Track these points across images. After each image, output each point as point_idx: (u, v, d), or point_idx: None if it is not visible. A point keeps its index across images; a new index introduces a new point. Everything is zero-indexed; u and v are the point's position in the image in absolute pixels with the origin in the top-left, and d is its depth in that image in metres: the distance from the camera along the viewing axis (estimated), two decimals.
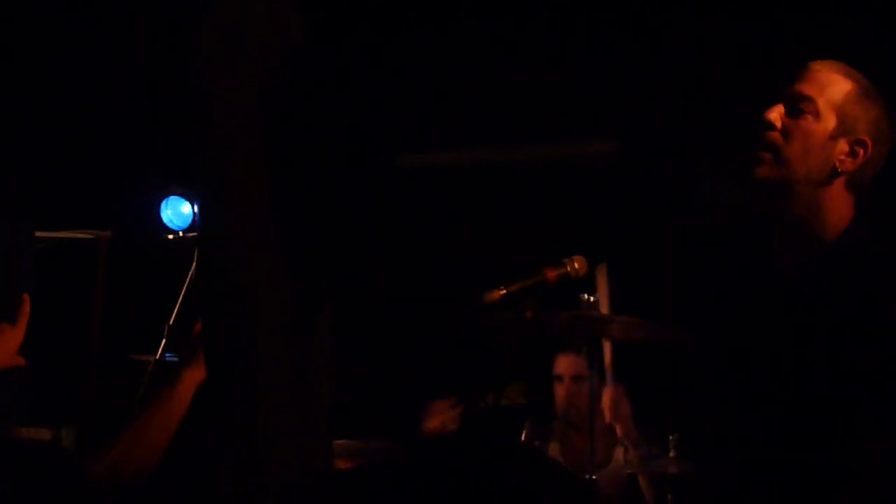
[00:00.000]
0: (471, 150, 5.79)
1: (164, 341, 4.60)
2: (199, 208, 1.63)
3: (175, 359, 4.71)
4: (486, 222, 5.80)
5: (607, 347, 4.35)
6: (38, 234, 5.79)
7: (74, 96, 5.96)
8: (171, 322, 4.58)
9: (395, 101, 5.91)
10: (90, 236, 5.83)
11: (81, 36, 5.81)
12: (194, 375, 2.70)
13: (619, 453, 4.65)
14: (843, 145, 2.67)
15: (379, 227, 5.81)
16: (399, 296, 5.35)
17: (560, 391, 4.88)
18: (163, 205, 5.61)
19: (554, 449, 4.81)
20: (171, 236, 5.54)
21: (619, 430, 4.46)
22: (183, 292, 4.65)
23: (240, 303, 1.60)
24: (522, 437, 4.74)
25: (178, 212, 5.59)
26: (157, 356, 4.60)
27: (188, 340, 2.78)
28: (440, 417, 4.70)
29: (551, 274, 3.61)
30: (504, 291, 3.50)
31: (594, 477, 3.93)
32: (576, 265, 3.61)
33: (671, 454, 4.02)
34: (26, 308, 2.66)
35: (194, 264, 4.78)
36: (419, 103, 5.90)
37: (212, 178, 1.58)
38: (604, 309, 4.16)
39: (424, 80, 5.89)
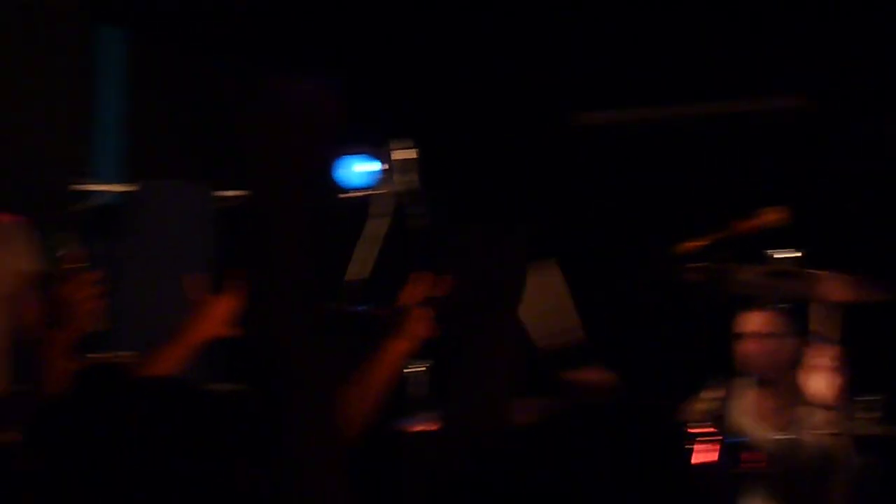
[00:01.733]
0: (661, 106, 5.70)
1: (350, 294, 4.64)
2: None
3: (360, 309, 4.74)
4: (677, 177, 5.69)
5: (816, 307, 4.18)
6: (222, 193, 5.93)
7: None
8: (355, 276, 4.61)
9: (576, 60, 5.84)
10: None
11: None
12: (399, 345, 2.70)
13: (803, 412, 4.50)
14: None
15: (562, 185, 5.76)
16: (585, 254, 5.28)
17: (746, 348, 4.74)
18: (345, 163, 5.65)
19: (736, 406, 4.68)
20: (353, 194, 5.58)
21: (823, 392, 4.31)
22: (359, 247, 4.67)
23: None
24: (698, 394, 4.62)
25: (357, 170, 5.62)
26: (345, 307, 4.64)
27: (392, 311, 2.79)
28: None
29: (744, 226, 3.50)
30: (698, 244, 3.41)
31: (794, 437, 3.80)
32: (770, 217, 3.48)
33: (874, 415, 3.87)
34: (229, 282, 2.69)
35: (382, 220, 4.79)
36: (603, 61, 5.81)
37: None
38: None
39: (607, 38, 5.81)
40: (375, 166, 5.47)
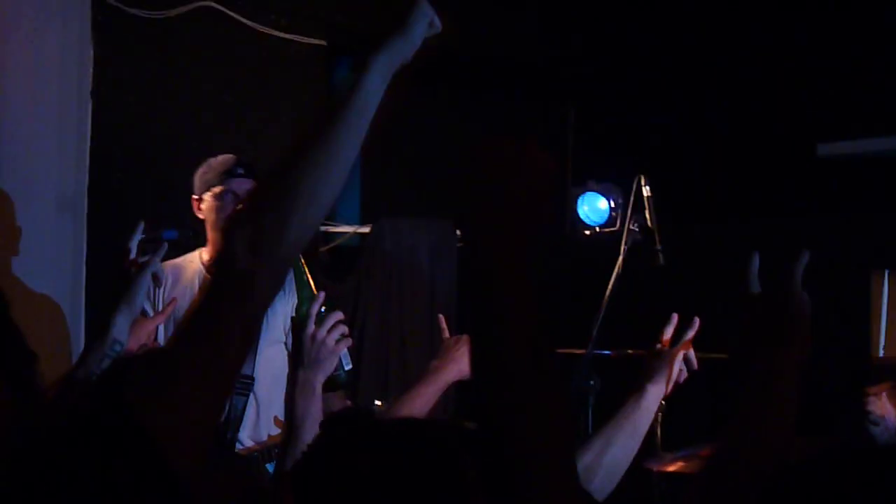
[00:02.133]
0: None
1: (592, 336, 4.59)
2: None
3: (601, 353, 4.69)
4: None
5: None
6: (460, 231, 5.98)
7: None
8: (599, 317, 4.56)
9: (815, 91, 5.67)
10: None
11: None
12: (658, 389, 2.65)
13: None
14: None
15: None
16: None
17: None
18: (579, 200, 5.61)
19: None
20: (587, 231, 5.54)
21: None
22: (609, 288, 4.62)
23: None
24: None
25: (594, 207, 5.58)
26: (586, 351, 4.59)
27: (649, 353, 2.73)
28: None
29: None
30: None
31: None
32: None
33: None
34: None
35: (620, 258, 4.74)
36: (841, 92, 5.62)
37: None
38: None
39: (849, 69, 5.62)
40: (610, 204, 5.42)
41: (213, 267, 3.01)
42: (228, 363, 1.61)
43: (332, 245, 5.88)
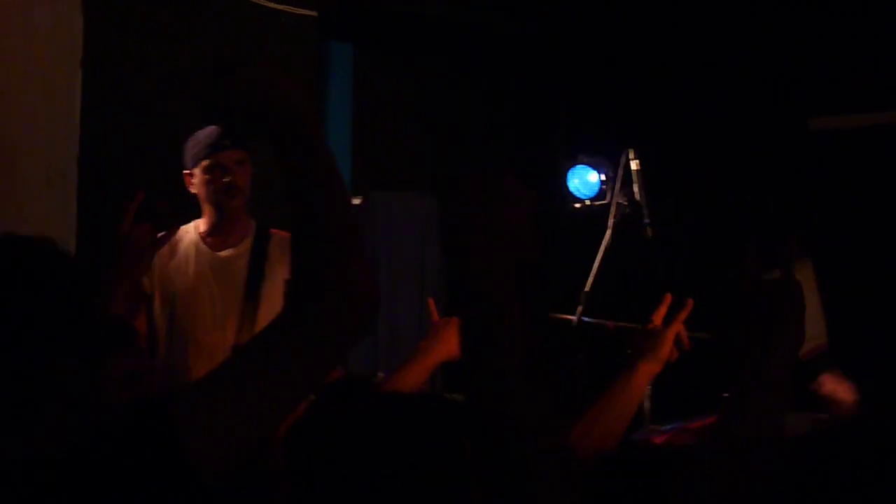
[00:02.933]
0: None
1: (580, 306, 4.61)
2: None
3: (592, 321, 4.71)
4: None
5: None
6: None
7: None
8: (587, 287, 4.59)
9: (807, 63, 5.67)
10: None
11: None
12: (650, 367, 2.69)
13: None
14: None
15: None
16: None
17: None
18: (570, 174, 5.63)
19: None
20: (577, 205, 5.56)
21: None
22: (598, 260, 4.64)
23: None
24: None
25: (584, 180, 5.60)
26: (576, 320, 4.62)
27: (642, 331, 2.76)
28: None
29: None
30: None
31: None
32: None
33: None
34: None
35: (608, 232, 4.76)
36: (836, 66, 5.63)
37: None
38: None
39: (841, 42, 5.62)
40: (601, 177, 5.43)
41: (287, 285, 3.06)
42: (279, 404, 1.58)
43: None
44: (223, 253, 3.99)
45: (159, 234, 3.30)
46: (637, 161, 4.97)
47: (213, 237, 4.00)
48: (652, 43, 5.97)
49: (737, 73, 5.83)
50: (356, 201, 5.90)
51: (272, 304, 3.94)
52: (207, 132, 3.96)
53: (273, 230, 4.06)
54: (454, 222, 1.60)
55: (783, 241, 1.81)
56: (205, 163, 3.92)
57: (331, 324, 1.58)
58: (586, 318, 4.63)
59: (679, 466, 1.70)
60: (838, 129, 5.70)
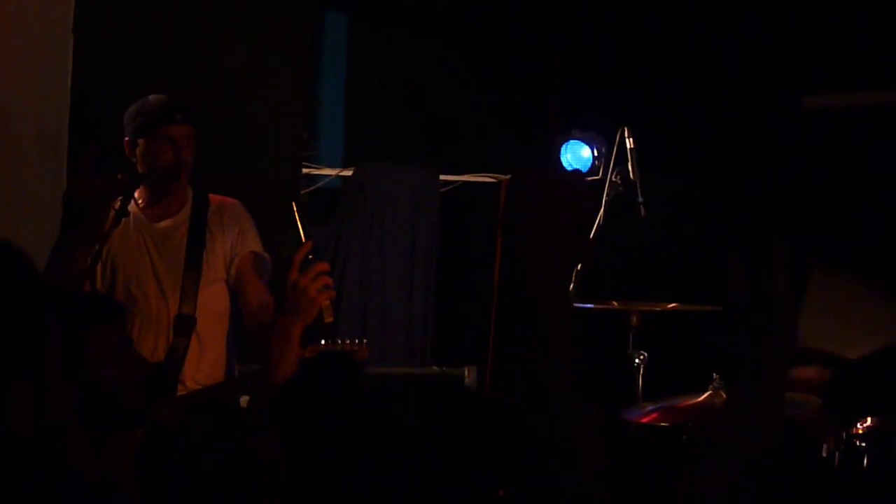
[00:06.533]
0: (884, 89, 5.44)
1: (571, 285, 4.60)
2: None
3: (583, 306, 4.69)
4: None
5: None
6: (443, 177, 5.97)
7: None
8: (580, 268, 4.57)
9: (801, 41, 5.64)
10: (492, 180, 5.94)
11: None
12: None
13: None
14: None
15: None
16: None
17: None
18: (563, 149, 5.60)
19: None
20: None
21: None
22: (591, 235, 4.62)
23: None
24: None
25: (577, 156, 5.57)
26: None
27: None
28: None
29: None
30: None
31: None
32: None
33: None
34: None
35: (602, 210, 4.75)
36: (829, 42, 5.60)
37: None
38: None
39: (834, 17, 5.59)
40: (594, 153, 5.41)
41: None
42: None
43: (313, 187, 5.86)
44: (162, 224, 3.93)
45: (119, 176, 3.23)
46: (632, 139, 4.95)
47: (151, 208, 3.93)
48: (648, 18, 5.93)
49: (733, 49, 5.80)
50: (348, 173, 5.88)
51: (213, 272, 3.91)
52: (157, 101, 3.85)
53: (211, 195, 4.00)
54: (514, 219, 1.58)
55: (768, 250, 1.80)
56: (156, 133, 3.80)
57: None
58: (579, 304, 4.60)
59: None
60: (834, 107, 5.67)
